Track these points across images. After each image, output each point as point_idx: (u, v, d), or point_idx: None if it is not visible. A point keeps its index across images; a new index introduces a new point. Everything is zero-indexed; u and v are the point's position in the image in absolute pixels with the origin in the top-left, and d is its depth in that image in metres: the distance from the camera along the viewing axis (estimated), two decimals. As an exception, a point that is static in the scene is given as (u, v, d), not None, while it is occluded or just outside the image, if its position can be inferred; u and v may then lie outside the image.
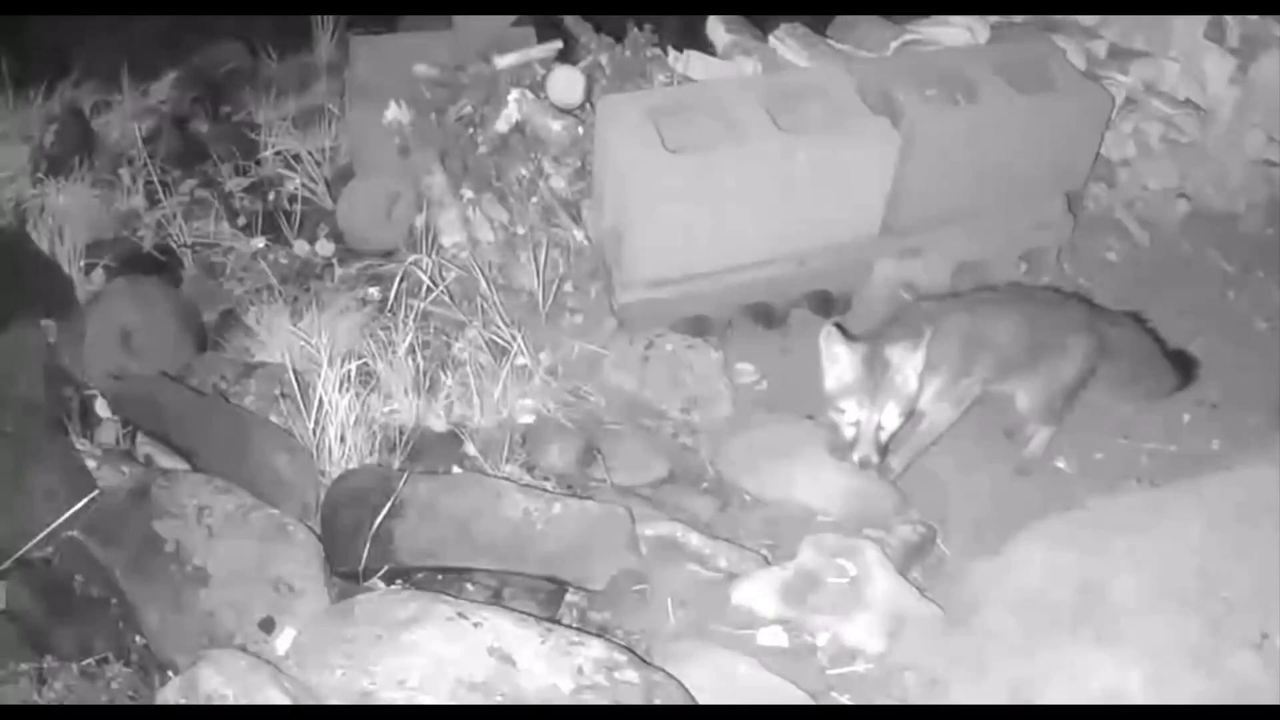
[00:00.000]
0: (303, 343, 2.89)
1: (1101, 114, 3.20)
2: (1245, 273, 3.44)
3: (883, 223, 3.06)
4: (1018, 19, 3.89)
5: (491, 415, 2.79)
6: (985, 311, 2.58)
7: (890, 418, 2.36)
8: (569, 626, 2.18)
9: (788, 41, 3.61)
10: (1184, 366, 2.84)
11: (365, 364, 2.78)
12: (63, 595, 2.35)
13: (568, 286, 3.19)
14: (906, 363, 2.33)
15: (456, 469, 2.64)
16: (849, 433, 2.38)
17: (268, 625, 2.18)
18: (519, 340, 2.88)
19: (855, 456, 2.37)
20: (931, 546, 2.51)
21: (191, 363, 2.96)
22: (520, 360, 2.88)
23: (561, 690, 1.92)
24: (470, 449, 2.70)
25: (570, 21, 3.84)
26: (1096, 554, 2.21)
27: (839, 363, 2.38)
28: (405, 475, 2.44)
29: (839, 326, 2.42)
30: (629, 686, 1.93)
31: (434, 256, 3.16)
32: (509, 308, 3.05)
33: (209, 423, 2.68)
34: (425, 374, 2.83)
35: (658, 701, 1.92)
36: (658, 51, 3.64)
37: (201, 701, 1.86)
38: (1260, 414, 2.90)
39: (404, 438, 2.69)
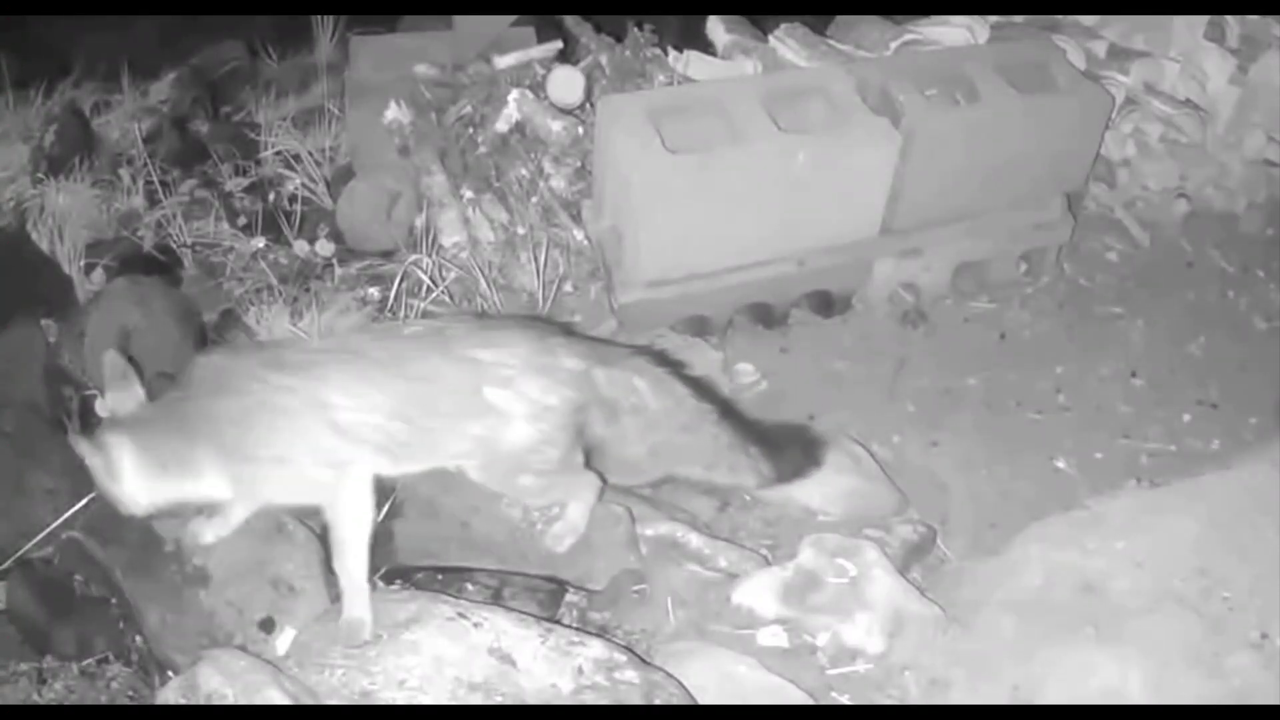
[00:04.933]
0: (303, 343, 2.88)
1: (1101, 114, 3.19)
2: (1245, 273, 3.44)
3: (883, 223, 3.06)
4: (1018, 19, 3.89)
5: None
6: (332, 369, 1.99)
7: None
8: (569, 626, 2.18)
9: (788, 41, 3.61)
10: (789, 450, 2.35)
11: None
12: (63, 595, 2.35)
13: (568, 286, 3.19)
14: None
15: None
16: None
17: (268, 625, 2.18)
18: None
19: None
20: (931, 546, 2.51)
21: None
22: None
23: (561, 690, 1.92)
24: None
25: (570, 21, 3.84)
26: (1096, 554, 2.22)
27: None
28: (405, 475, 2.44)
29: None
30: (629, 686, 1.93)
31: (434, 256, 3.15)
32: (509, 308, 3.05)
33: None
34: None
35: (658, 701, 1.92)
36: (658, 51, 3.64)
37: (201, 701, 1.86)
38: (1260, 414, 2.90)
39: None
